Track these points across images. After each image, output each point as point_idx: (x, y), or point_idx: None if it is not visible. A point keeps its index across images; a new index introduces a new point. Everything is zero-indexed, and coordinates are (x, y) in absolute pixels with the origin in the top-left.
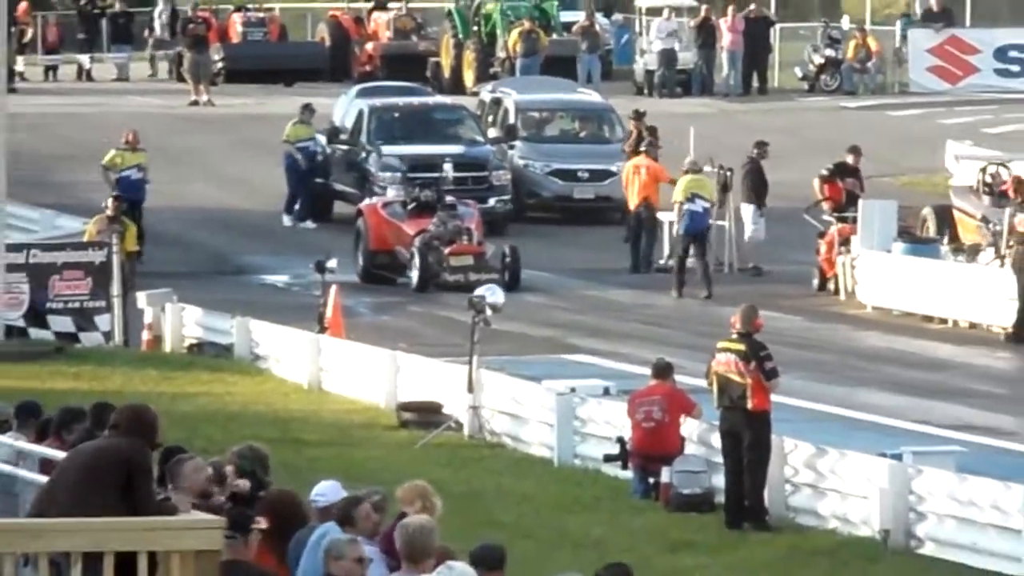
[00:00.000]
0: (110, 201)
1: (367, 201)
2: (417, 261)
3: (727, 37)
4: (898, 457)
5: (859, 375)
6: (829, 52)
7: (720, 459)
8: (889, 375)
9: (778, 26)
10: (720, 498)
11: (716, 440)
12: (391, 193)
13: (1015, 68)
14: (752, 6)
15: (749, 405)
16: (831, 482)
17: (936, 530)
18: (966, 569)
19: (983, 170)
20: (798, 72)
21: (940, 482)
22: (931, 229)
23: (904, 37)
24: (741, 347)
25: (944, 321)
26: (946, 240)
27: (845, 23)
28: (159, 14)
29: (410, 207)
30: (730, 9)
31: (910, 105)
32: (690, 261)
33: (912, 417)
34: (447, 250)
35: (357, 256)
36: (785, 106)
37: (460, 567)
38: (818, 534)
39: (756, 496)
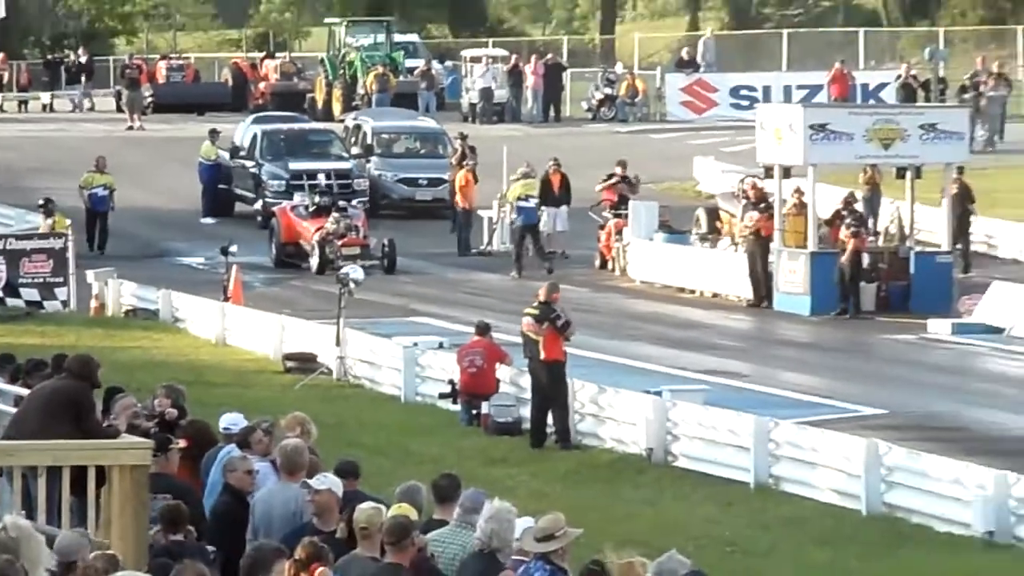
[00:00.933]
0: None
1: (279, 205)
2: (316, 251)
3: (531, 79)
4: (659, 394)
5: (630, 332)
6: (607, 90)
7: (528, 395)
8: (653, 332)
9: (569, 70)
10: (527, 425)
11: (524, 381)
12: (297, 198)
13: (745, 103)
14: (549, 55)
15: (542, 356)
16: (609, 412)
17: (687, 448)
18: (709, 477)
19: (742, 180)
20: (584, 105)
21: (690, 412)
22: (703, 224)
23: (663, 79)
24: (536, 312)
25: (693, 292)
26: (704, 232)
27: (619, 68)
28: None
29: (311, 209)
30: (533, 57)
31: (667, 130)
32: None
33: (670, 364)
34: (340, 243)
35: (271, 247)
36: (574, 131)
37: (330, 477)
38: (600, 452)
39: (562, 424)
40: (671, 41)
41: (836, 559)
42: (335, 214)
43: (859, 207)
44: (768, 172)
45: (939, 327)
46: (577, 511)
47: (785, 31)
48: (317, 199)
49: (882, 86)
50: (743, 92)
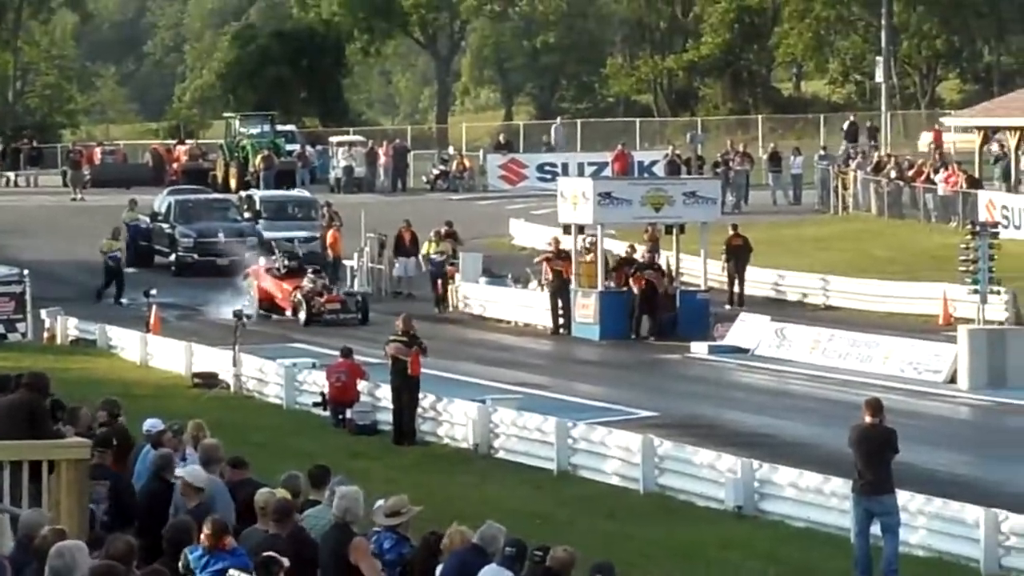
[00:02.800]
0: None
1: (253, 266)
2: (304, 307)
3: (383, 158)
4: (483, 401)
5: (462, 354)
6: (442, 167)
7: (388, 403)
8: (479, 354)
9: (412, 152)
10: (381, 427)
11: (379, 392)
12: (265, 261)
13: (548, 177)
14: (397, 140)
15: (409, 371)
16: (445, 416)
17: (505, 443)
18: (523, 466)
19: (555, 239)
20: (424, 179)
21: (507, 415)
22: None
23: (485, 158)
24: (405, 339)
25: (509, 322)
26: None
27: (451, 150)
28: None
29: (283, 271)
30: (384, 142)
31: (489, 198)
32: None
33: (492, 378)
34: (323, 299)
35: (246, 302)
36: (417, 199)
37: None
38: (438, 447)
39: (411, 424)
40: (491, 129)
41: (621, 528)
42: (310, 275)
43: (637, 256)
44: (567, 230)
45: (699, 348)
46: (420, 493)
47: (579, 121)
48: (287, 261)
49: (654, 162)
50: (547, 168)
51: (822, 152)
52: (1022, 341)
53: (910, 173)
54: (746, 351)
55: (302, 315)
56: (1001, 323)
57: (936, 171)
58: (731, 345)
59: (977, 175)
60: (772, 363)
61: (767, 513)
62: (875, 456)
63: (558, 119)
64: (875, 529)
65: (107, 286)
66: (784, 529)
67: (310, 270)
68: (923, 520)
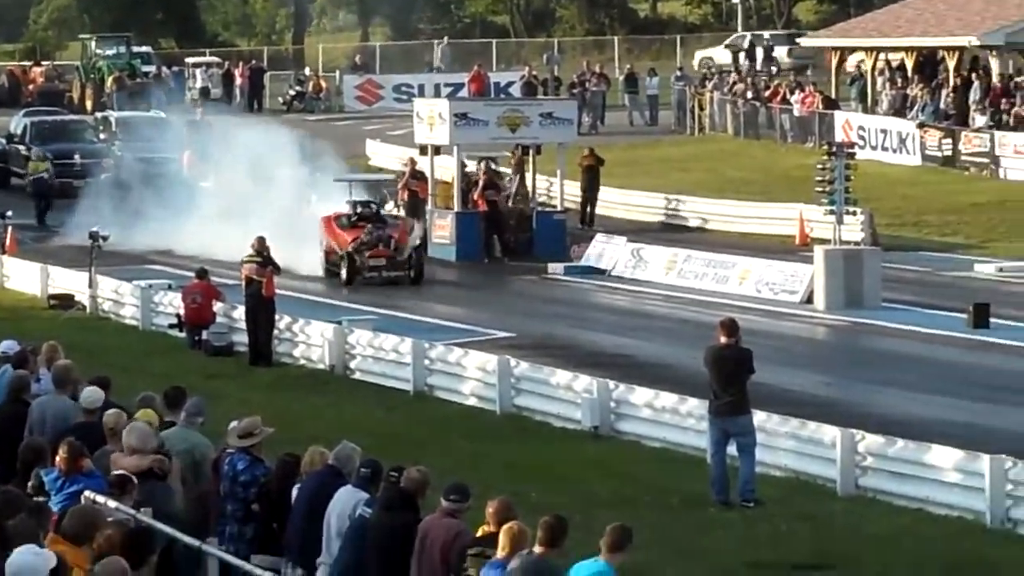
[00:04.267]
0: None
1: (324, 213)
2: (346, 262)
3: (239, 79)
4: (339, 323)
5: (319, 276)
6: (298, 88)
7: (244, 325)
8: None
9: (268, 73)
10: (237, 348)
11: (235, 314)
12: (346, 208)
13: (405, 98)
14: (253, 61)
15: (263, 292)
16: (301, 337)
17: (362, 364)
18: (379, 387)
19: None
20: (280, 100)
21: (363, 336)
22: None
23: (341, 79)
24: (259, 259)
25: None
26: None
27: (307, 71)
28: None
29: (353, 219)
30: (241, 63)
31: (346, 119)
32: None
33: (348, 300)
34: (368, 253)
35: (320, 256)
36: (273, 120)
37: (88, 390)
38: (294, 368)
39: (267, 346)
40: (347, 50)
41: (477, 448)
42: (370, 225)
43: (496, 179)
44: (423, 151)
45: (555, 269)
46: (276, 415)
47: (435, 41)
48: (360, 209)
49: (510, 83)
50: (403, 89)
51: (678, 73)
52: (878, 261)
53: (766, 94)
54: (603, 272)
55: (343, 272)
56: (857, 243)
57: (792, 92)
58: (587, 266)
59: (834, 96)
60: (628, 284)
61: (623, 433)
62: (730, 376)
63: (445, 39)
64: (732, 449)
65: None
66: (640, 449)
67: (375, 219)
68: (780, 440)
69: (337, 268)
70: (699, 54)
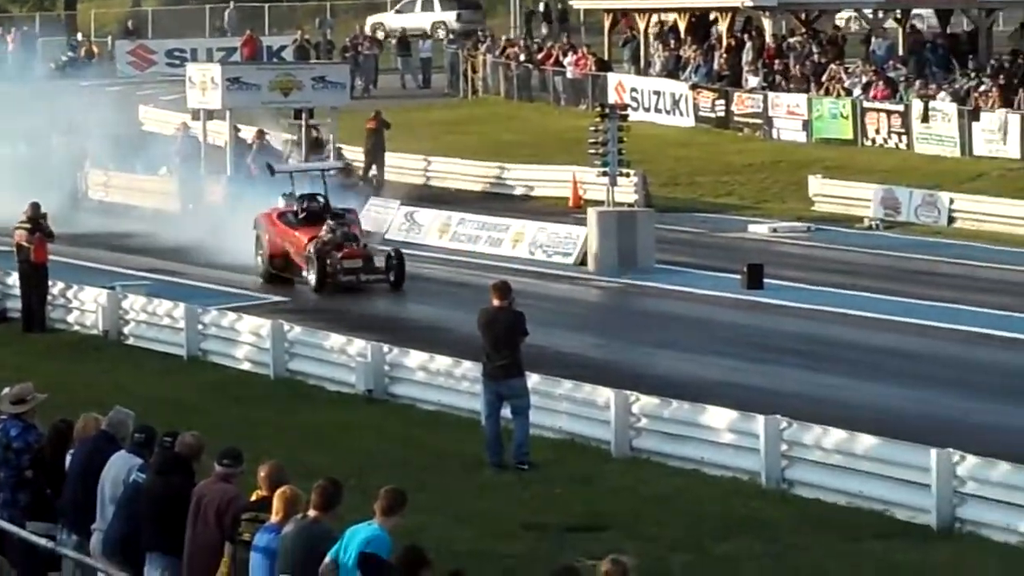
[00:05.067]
0: None
1: (262, 211)
2: (315, 265)
3: (10, 45)
4: (112, 287)
5: (93, 240)
6: (71, 54)
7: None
8: (110, 241)
9: (41, 39)
10: (13, 315)
11: (10, 280)
12: (281, 203)
13: (178, 63)
14: (25, 27)
15: (33, 258)
16: (75, 303)
17: (135, 330)
18: (153, 352)
19: (184, 124)
20: (52, 65)
21: (137, 301)
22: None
23: (113, 44)
24: (28, 225)
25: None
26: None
27: (80, 36)
28: None
29: (301, 216)
30: (12, 29)
31: (119, 84)
32: None
33: (123, 265)
34: (339, 255)
35: (257, 258)
36: (44, 86)
37: None
38: (68, 333)
39: (41, 312)
40: (119, 15)
41: (251, 413)
42: (330, 221)
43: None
44: (195, 115)
45: None
46: (50, 381)
47: (207, 6)
48: (306, 204)
49: (283, 48)
50: (176, 54)
51: (451, 36)
52: (651, 223)
53: (539, 56)
54: (376, 235)
55: (311, 277)
56: (631, 205)
57: (565, 54)
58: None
59: (607, 57)
60: (402, 247)
61: (398, 397)
62: (503, 339)
63: (231, 3)
64: (507, 412)
65: None
66: (415, 412)
67: (332, 214)
68: (554, 403)
69: (287, 273)
70: (371, 19)
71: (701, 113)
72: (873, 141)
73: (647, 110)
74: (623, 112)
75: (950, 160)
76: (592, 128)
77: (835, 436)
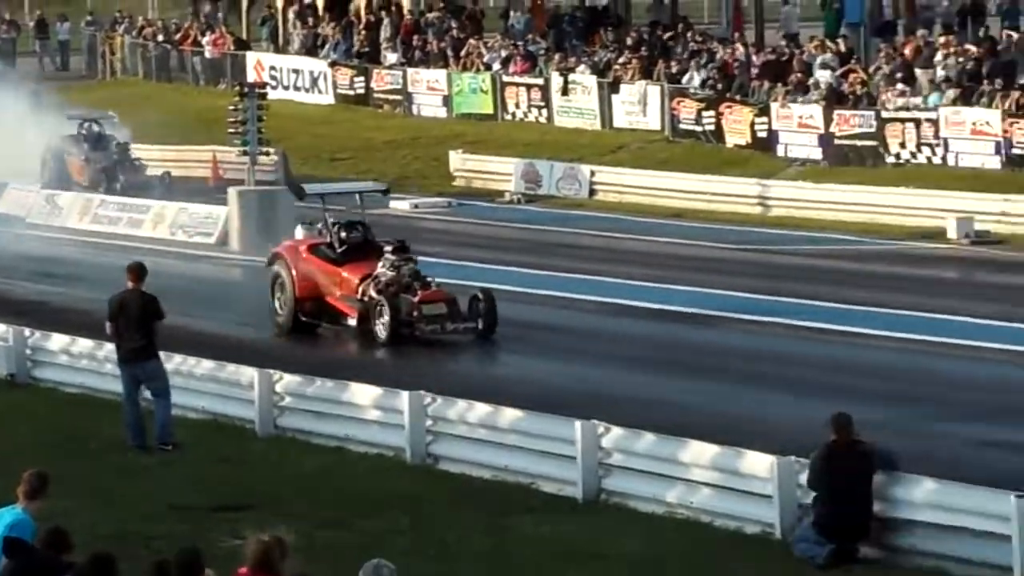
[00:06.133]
0: None
1: (282, 243)
2: (386, 312)
3: None
4: None
5: None
6: None
7: None
8: None
9: None
10: None
11: None
12: (301, 233)
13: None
14: None
15: None
16: None
17: None
18: None
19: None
20: None
21: None
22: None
23: None
24: None
25: None
26: None
27: None
28: None
29: (341, 249)
30: None
31: None
32: None
33: None
34: (416, 299)
35: (274, 303)
36: None
37: None
38: None
39: None
40: None
41: None
42: (390, 255)
43: None
44: None
45: None
46: None
47: None
48: (344, 234)
49: None
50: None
51: (89, 18)
52: (291, 201)
53: (177, 36)
54: (20, 219)
55: (381, 327)
56: (271, 184)
57: (203, 34)
58: (2, 214)
59: (245, 37)
60: (44, 230)
61: (41, 380)
62: (136, 322)
63: None
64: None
65: None
66: (59, 395)
67: (388, 248)
68: (197, 383)
69: (313, 319)
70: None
71: (340, 91)
72: (513, 115)
73: (287, 88)
74: (262, 91)
75: (590, 133)
76: (231, 107)
77: (479, 410)
